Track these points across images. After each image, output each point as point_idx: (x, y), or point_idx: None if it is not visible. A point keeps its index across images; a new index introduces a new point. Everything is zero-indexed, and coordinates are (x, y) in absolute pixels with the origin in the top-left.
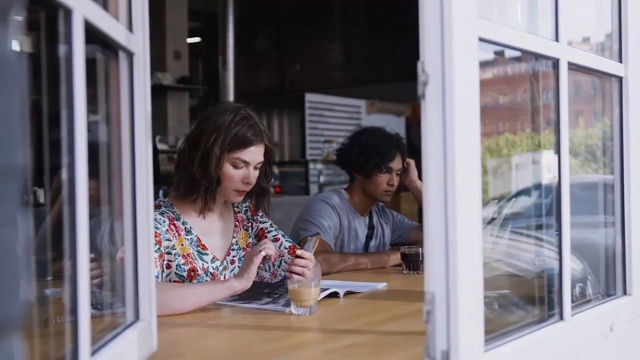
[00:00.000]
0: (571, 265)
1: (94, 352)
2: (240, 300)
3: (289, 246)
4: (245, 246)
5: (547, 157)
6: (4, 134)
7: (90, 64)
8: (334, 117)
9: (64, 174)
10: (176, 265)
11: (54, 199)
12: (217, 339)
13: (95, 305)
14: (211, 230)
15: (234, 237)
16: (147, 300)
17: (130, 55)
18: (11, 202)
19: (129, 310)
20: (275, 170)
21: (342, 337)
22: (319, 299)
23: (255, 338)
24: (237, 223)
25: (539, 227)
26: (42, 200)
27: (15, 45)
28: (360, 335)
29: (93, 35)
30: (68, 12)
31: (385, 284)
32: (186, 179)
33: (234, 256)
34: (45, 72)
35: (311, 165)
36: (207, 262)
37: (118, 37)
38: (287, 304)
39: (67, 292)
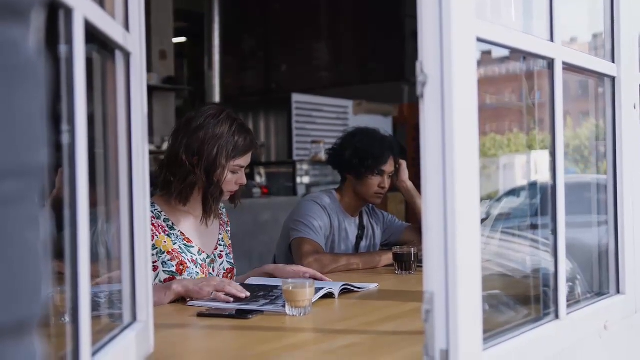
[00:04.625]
0: None
1: (93, 354)
2: (237, 303)
3: (227, 268)
4: (228, 245)
5: (536, 157)
6: (28, 133)
7: (86, 64)
8: (321, 117)
9: (65, 175)
10: (162, 263)
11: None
12: (214, 340)
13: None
14: (196, 227)
15: (220, 234)
16: (144, 302)
17: (127, 55)
18: (33, 201)
19: (127, 311)
20: (262, 171)
21: (339, 338)
22: (315, 300)
23: (251, 339)
24: (221, 222)
25: (530, 227)
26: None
27: (37, 45)
28: (356, 336)
29: (91, 34)
30: (69, 12)
31: (377, 284)
32: (189, 186)
33: (221, 251)
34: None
35: (298, 166)
36: (194, 255)
37: (116, 37)
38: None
39: (68, 294)
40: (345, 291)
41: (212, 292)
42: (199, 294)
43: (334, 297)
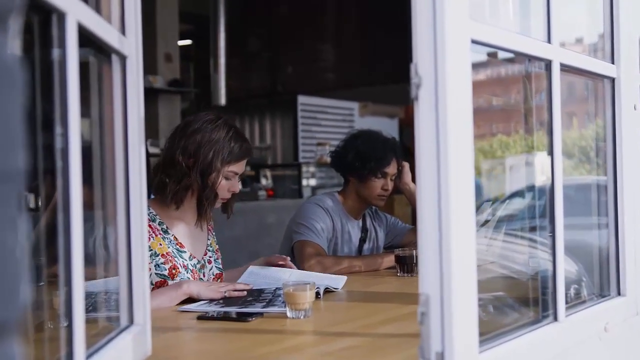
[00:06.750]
0: (565, 267)
1: (88, 356)
2: (232, 307)
3: (216, 273)
4: (215, 250)
5: (541, 158)
6: (5, 137)
7: (82, 68)
8: (326, 119)
9: (58, 179)
10: (155, 266)
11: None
12: (212, 343)
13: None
14: (188, 232)
15: (208, 240)
16: (141, 305)
17: (123, 58)
18: (11, 204)
19: (123, 314)
20: (268, 173)
21: (338, 340)
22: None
23: (250, 341)
24: (209, 227)
25: (533, 229)
26: (32, 205)
27: (15, 49)
28: (356, 338)
29: (86, 38)
30: (62, 16)
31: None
32: (184, 188)
33: (210, 257)
34: (37, 75)
35: (304, 168)
36: (186, 260)
37: (111, 41)
38: (284, 305)
39: (61, 297)
40: (328, 289)
41: (225, 292)
42: (211, 296)
43: (320, 298)
